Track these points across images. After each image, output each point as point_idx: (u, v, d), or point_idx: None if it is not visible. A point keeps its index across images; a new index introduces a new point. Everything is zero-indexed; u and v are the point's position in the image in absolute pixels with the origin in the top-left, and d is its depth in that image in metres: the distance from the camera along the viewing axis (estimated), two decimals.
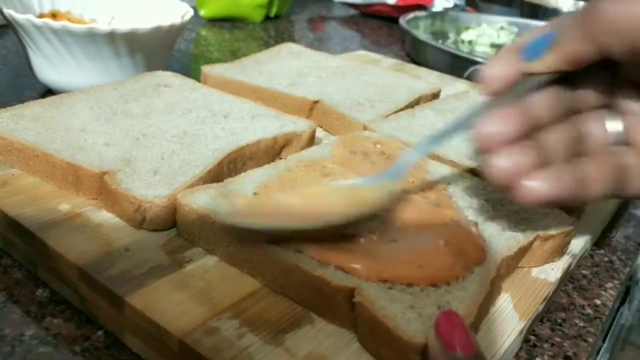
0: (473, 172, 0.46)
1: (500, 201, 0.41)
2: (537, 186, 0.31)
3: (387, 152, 0.46)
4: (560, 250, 0.40)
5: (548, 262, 0.39)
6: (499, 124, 0.32)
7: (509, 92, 0.34)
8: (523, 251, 0.37)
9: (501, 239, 0.37)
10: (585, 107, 0.35)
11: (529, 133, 0.32)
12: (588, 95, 0.35)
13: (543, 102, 0.34)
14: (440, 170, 0.44)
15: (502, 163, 0.31)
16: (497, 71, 0.34)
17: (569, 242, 0.40)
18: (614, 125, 0.35)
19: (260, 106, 0.52)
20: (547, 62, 0.33)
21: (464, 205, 0.40)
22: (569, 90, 0.35)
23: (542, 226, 0.38)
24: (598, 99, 0.36)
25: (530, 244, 0.38)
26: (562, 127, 0.34)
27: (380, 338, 0.29)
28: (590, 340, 0.37)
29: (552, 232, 0.38)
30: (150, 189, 0.37)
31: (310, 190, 0.39)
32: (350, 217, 0.34)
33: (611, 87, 0.35)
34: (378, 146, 0.47)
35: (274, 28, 1.13)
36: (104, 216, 0.38)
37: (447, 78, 0.79)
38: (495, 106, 0.33)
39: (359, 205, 0.35)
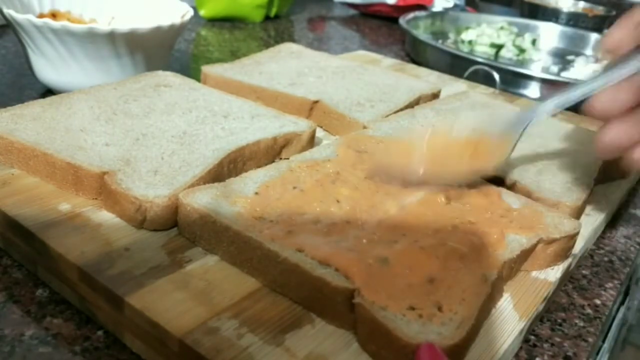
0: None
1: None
2: None
3: None
4: (564, 254, 0.39)
5: (551, 266, 0.39)
6: (609, 99, 0.35)
7: (621, 64, 0.36)
8: (526, 254, 0.37)
9: (503, 241, 0.37)
10: None
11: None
12: None
13: None
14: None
15: (610, 136, 0.36)
16: (617, 36, 0.37)
17: (572, 246, 0.40)
18: None
19: (260, 106, 0.52)
20: None
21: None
22: None
23: (545, 230, 0.38)
24: None
25: (534, 247, 0.38)
26: None
27: (380, 339, 0.29)
28: (590, 340, 0.37)
29: (556, 235, 0.38)
30: (151, 189, 0.37)
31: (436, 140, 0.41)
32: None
33: None
34: (381, 145, 0.47)
35: (274, 28, 1.13)
36: (104, 216, 0.38)
37: (447, 78, 0.79)
38: (612, 76, 0.36)
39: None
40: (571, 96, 0.39)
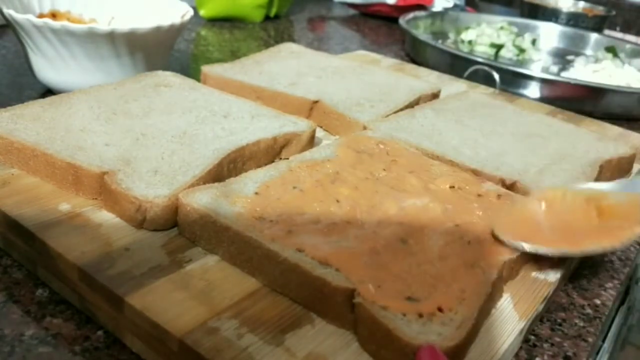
0: (474, 173, 0.46)
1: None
2: None
3: (392, 153, 0.46)
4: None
5: (552, 268, 0.39)
6: None
7: None
8: (526, 255, 0.37)
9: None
10: None
11: None
12: None
13: None
14: (442, 170, 0.44)
15: None
16: None
17: None
18: None
19: (260, 106, 0.52)
20: None
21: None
22: None
23: None
24: None
25: None
26: None
27: (380, 339, 0.29)
28: (590, 340, 0.37)
29: None
30: (151, 189, 0.37)
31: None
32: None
33: None
34: (381, 146, 0.47)
35: (274, 28, 1.13)
36: (104, 216, 0.38)
37: (447, 78, 0.79)
38: None
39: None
40: None
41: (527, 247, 0.36)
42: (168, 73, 0.56)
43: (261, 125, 0.48)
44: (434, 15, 1.24)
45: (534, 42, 1.14)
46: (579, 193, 0.39)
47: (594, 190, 0.40)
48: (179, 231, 0.37)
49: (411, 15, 1.13)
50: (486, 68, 0.81)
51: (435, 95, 0.66)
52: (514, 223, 0.38)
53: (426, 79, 0.77)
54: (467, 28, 1.17)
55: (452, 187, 0.42)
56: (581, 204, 0.39)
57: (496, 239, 0.37)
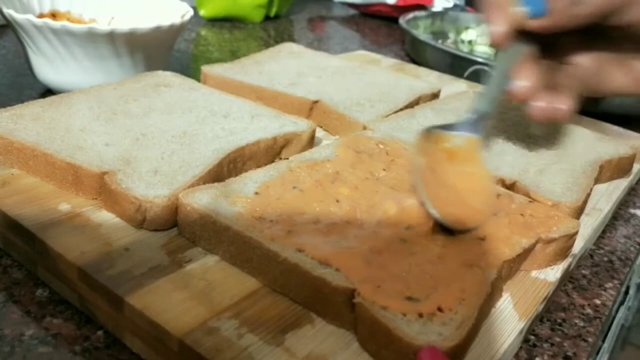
0: None
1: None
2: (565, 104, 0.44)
3: (391, 153, 0.46)
4: (563, 254, 0.39)
5: (550, 266, 0.39)
6: (528, 78, 0.42)
7: (513, 46, 0.43)
8: (525, 254, 0.37)
9: (503, 241, 0.37)
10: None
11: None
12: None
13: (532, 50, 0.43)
14: None
15: (541, 104, 0.43)
16: (502, 28, 0.42)
17: (571, 246, 0.40)
18: None
19: (260, 106, 0.52)
20: (545, 24, 0.41)
21: None
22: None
23: (545, 229, 0.38)
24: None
25: (533, 246, 0.38)
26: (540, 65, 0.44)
27: (380, 339, 0.29)
28: (590, 340, 0.37)
29: (555, 235, 0.38)
30: (151, 189, 0.37)
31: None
32: None
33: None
34: (381, 146, 0.47)
35: (274, 28, 1.13)
36: (104, 216, 0.38)
37: (447, 78, 0.79)
38: (509, 64, 0.43)
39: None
40: (501, 81, 0.43)
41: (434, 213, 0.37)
42: (168, 73, 0.56)
43: (261, 125, 0.48)
44: (434, 15, 1.23)
45: None
46: (428, 135, 0.42)
47: (438, 132, 0.42)
48: (179, 231, 0.37)
49: (411, 15, 1.12)
50: (486, 68, 0.81)
51: (435, 95, 0.66)
52: (440, 196, 0.39)
53: (426, 79, 0.77)
54: (467, 28, 1.17)
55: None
56: (434, 148, 0.42)
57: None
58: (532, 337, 0.37)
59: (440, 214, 0.37)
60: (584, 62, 0.47)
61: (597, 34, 0.45)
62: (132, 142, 0.43)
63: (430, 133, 0.42)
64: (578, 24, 0.41)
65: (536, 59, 0.44)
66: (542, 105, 0.43)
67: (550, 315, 0.39)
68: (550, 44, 0.46)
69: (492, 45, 0.43)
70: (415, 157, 0.41)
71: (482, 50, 1.10)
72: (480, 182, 0.41)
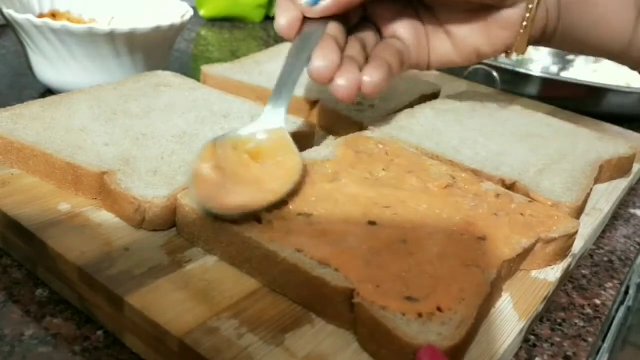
0: (474, 173, 0.46)
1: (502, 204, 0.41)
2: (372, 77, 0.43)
3: (391, 153, 0.46)
4: (563, 254, 0.39)
5: (550, 265, 0.39)
6: (324, 58, 0.42)
7: (305, 32, 0.44)
8: (525, 254, 0.37)
9: (502, 241, 0.37)
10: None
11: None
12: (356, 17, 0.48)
13: (335, 31, 0.44)
14: (441, 169, 0.44)
15: (342, 81, 0.42)
16: (285, 20, 0.44)
17: (571, 245, 0.40)
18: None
19: (260, 106, 0.52)
20: (322, 9, 0.43)
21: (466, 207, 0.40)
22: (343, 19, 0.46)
23: (545, 229, 0.38)
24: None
25: (532, 246, 0.38)
26: (354, 43, 0.46)
27: (380, 339, 0.29)
28: (590, 340, 0.37)
29: (555, 235, 0.38)
30: (150, 189, 0.37)
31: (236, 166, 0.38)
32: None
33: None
34: (380, 146, 0.47)
35: (274, 28, 1.13)
36: (104, 216, 0.38)
37: (447, 78, 0.79)
38: (307, 46, 0.43)
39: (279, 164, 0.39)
40: (293, 77, 0.43)
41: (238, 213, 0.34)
42: (168, 73, 0.56)
43: None
44: None
45: None
46: (222, 144, 0.38)
47: (233, 137, 0.39)
48: (178, 231, 0.37)
49: None
50: (486, 68, 0.81)
51: (435, 95, 0.66)
52: (202, 191, 0.35)
53: (426, 79, 0.77)
54: None
55: (451, 186, 0.42)
56: (232, 154, 0.38)
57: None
58: (532, 337, 0.37)
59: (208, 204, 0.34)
60: (403, 34, 0.48)
61: (411, 5, 0.47)
62: (132, 142, 0.43)
63: (223, 142, 0.38)
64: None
65: (340, 37, 0.44)
66: (342, 82, 0.42)
67: (550, 315, 0.39)
68: (368, 19, 0.48)
69: (285, 37, 0.44)
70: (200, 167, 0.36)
71: None
72: (286, 165, 0.38)
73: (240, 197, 0.35)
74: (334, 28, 0.44)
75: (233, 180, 0.36)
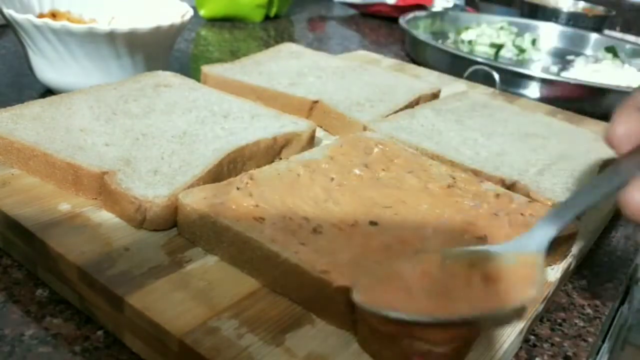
0: (474, 173, 0.46)
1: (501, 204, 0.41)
2: None
3: (389, 155, 0.46)
4: (563, 253, 0.39)
5: (550, 265, 0.39)
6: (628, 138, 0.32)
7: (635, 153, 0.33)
8: None
9: (503, 241, 0.37)
10: None
11: None
12: None
13: None
14: (441, 170, 0.44)
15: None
16: (622, 129, 0.33)
17: (571, 245, 0.40)
18: None
19: (260, 106, 0.52)
20: None
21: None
22: None
23: None
24: None
25: None
26: None
27: (382, 339, 0.29)
28: (590, 340, 0.37)
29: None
30: (151, 189, 0.37)
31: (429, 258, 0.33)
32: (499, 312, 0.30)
33: None
34: (380, 146, 0.47)
35: (274, 28, 1.13)
36: (104, 216, 0.38)
37: (447, 78, 0.79)
38: (626, 170, 0.32)
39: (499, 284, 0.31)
40: (586, 201, 0.34)
41: (393, 314, 0.29)
42: (168, 73, 0.56)
43: (261, 125, 0.48)
44: (434, 15, 1.24)
45: (534, 42, 1.14)
46: (460, 258, 0.33)
47: (479, 254, 0.34)
48: (179, 231, 0.37)
49: (411, 15, 1.13)
50: (486, 68, 0.81)
51: (435, 95, 0.66)
52: (378, 288, 0.31)
53: (426, 79, 0.77)
54: (467, 28, 1.17)
55: (451, 187, 0.42)
56: (462, 270, 0.33)
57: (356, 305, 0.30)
58: (532, 337, 0.37)
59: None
60: None
61: None
62: (132, 142, 0.43)
63: (459, 256, 0.33)
64: None
65: None
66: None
67: (550, 315, 0.39)
68: None
69: (612, 147, 0.34)
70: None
71: (482, 50, 1.10)
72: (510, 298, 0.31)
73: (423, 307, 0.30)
74: None
75: (437, 292, 0.31)
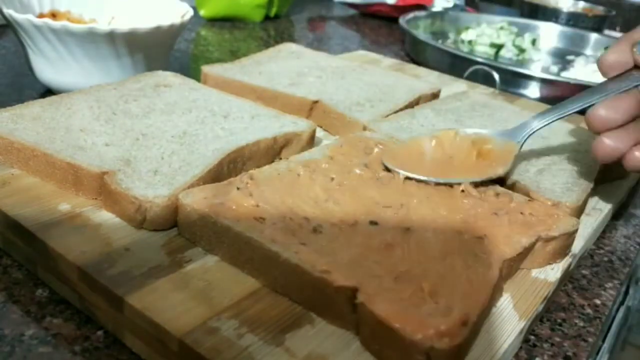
0: None
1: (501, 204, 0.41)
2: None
3: None
4: (563, 252, 0.40)
5: (550, 264, 0.39)
6: (611, 111, 0.40)
7: (618, 79, 0.41)
8: (525, 253, 0.37)
9: (503, 240, 0.37)
10: None
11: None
12: None
13: None
14: None
15: (610, 142, 0.40)
16: (613, 58, 0.41)
17: (571, 244, 0.40)
18: None
19: (260, 106, 0.52)
20: None
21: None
22: None
23: (544, 228, 0.38)
24: None
25: (532, 245, 0.38)
26: None
27: (383, 339, 0.29)
28: (590, 340, 0.37)
29: (554, 233, 0.38)
30: (151, 189, 0.37)
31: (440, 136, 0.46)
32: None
33: None
34: (380, 146, 0.47)
35: (274, 28, 1.13)
36: (104, 216, 0.38)
37: (447, 78, 0.79)
38: (606, 91, 0.41)
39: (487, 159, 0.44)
40: (569, 108, 0.44)
41: (403, 172, 0.41)
42: (168, 73, 0.56)
43: (261, 125, 0.48)
44: (434, 15, 1.24)
45: (534, 42, 1.14)
46: (467, 136, 0.45)
47: (481, 135, 0.46)
48: (179, 231, 0.37)
49: (411, 15, 1.13)
50: (486, 68, 0.81)
51: (435, 95, 0.66)
52: (401, 154, 0.44)
53: (426, 79, 0.77)
54: (467, 28, 1.17)
55: (450, 186, 0.42)
56: (466, 145, 0.45)
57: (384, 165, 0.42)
58: (532, 337, 0.37)
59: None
60: None
61: None
62: (132, 142, 0.43)
63: (467, 135, 0.45)
64: None
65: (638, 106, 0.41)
66: (609, 143, 0.40)
67: (550, 315, 0.39)
68: None
69: (601, 72, 0.42)
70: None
71: (482, 50, 1.10)
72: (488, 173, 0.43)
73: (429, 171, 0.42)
74: None
75: (442, 160, 0.44)
